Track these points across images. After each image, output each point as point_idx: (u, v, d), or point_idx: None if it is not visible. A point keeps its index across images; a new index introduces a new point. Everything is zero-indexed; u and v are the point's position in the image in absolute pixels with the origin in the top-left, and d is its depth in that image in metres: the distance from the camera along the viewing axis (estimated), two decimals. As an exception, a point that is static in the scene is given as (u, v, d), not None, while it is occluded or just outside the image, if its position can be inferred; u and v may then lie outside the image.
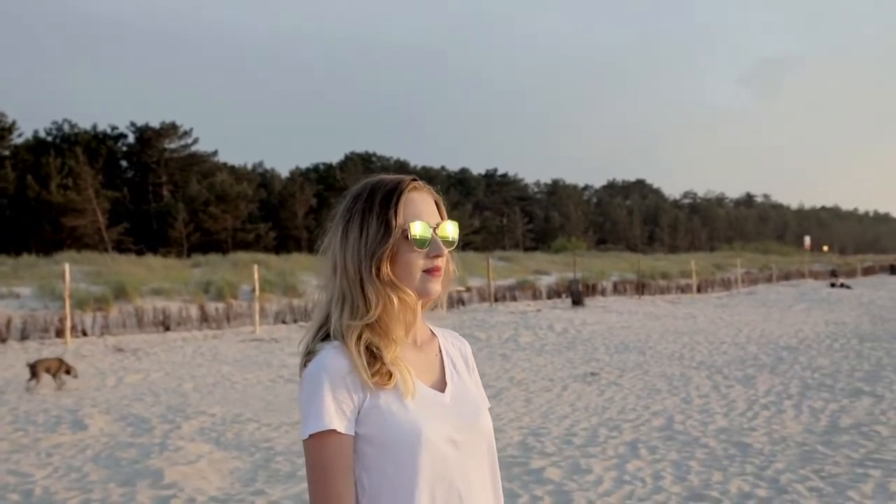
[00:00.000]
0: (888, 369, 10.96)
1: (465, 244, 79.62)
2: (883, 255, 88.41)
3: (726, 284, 41.31)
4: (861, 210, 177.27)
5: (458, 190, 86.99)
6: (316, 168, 76.40)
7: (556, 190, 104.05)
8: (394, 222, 1.39)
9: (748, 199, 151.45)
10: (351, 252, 1.40)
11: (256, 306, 20.36)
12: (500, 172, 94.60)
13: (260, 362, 14.03)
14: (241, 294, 25.23)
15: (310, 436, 1.33)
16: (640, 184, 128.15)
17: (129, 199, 57.11)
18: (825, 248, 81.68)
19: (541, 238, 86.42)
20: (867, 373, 10.75)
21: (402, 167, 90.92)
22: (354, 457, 1.36)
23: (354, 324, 1.38)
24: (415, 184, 1.44)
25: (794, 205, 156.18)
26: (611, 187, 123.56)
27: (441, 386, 1.46)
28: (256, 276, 20.97)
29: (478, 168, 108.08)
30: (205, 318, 20.67)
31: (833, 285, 42.06)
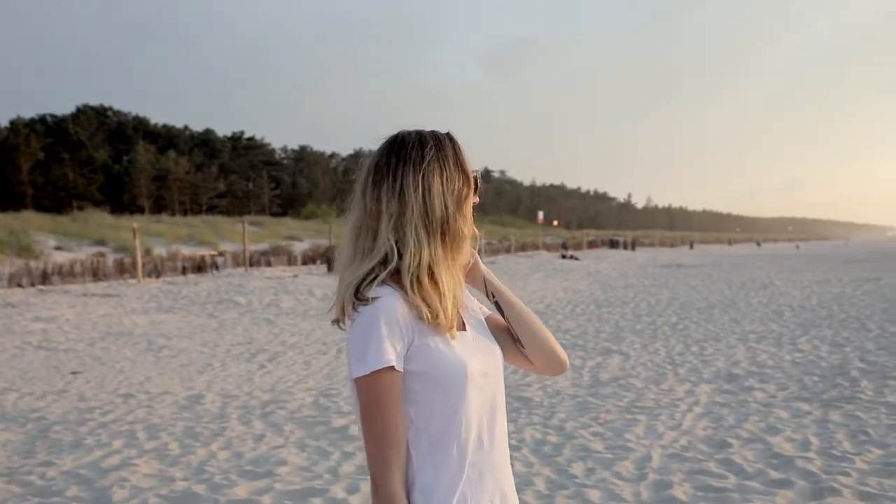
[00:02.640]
0: (626, 331, 12.21)
1: (210, 207, 76.86)
2: (602, 231, 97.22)
3: (470, 254, 43.40)
4: (584, 189, 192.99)
5: (202, 151, 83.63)
6: (43, 119, 69.79)
7: (303, 156, 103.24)
8: (468, 171, 1.53)
9: (486, 174, 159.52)
10: (437, 196, 1.47)
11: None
12: (247, 136, 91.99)
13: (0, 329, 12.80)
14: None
15: (370, 373, 1.38)
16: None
17: None
18: (555, 222, 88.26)
19: (288, 204, 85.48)
20: (610, 334, 11.90)
21: (140, 123, 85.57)
22: (406, 389, 1.43)
23: (433, 261, 1.46)
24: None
25: (527, 181, 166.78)
26: (357, 156, 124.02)
27: (461, 325, 1.54)
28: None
29: (224, 130, 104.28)
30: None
31: (564, 257, 45.72)
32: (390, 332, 1.40)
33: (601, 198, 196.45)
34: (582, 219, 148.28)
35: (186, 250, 29.86)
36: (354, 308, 1.43)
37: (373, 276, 1.45)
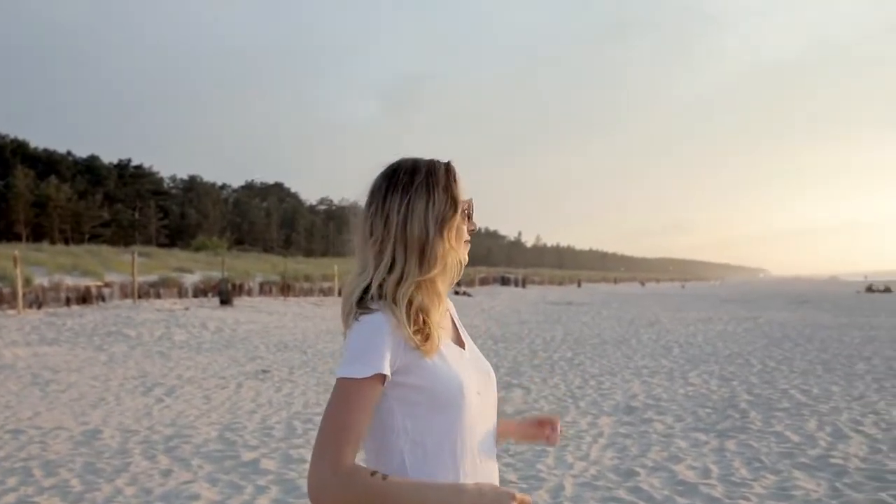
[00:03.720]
0: (524, 366, 12.45)
1: (94, 236, 73.85)
2: (494, 268, 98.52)
3: (364, 289, 43.24)
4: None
5: (85, 178, 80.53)
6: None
7: (193, 186, 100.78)
8: (458, 198, 1.59)
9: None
10: (418, 219, 1.54)
11: None
12: (134, 163, 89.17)
13: None
14: None
15: (356, 378, 1.41)
16: (279, 187, 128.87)
17: None
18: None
19: (176, 235, 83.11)
20: (509, 369, 12.10)
21: (20, 147, 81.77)
22: (400, 407, 1.48)
23: (408, 282, 1.52)
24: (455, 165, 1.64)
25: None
26: (249, 188, 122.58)
27: (459, 342, 1.63)
28: None
29: (109, 157, 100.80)
30: None
31: (457, 293, 46.12)
32: (384, 344, 1.45)
33: (492, 235, 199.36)
34: (474, 256, 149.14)
35: (70, 280, 28.58)
36: (356, 317, 1.49)
37: (364, 291, 1.52)
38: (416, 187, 1.56)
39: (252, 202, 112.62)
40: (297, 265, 50.53)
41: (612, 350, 14.71)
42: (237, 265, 41.89)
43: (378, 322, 1.46)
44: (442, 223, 1.56)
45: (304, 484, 5.39)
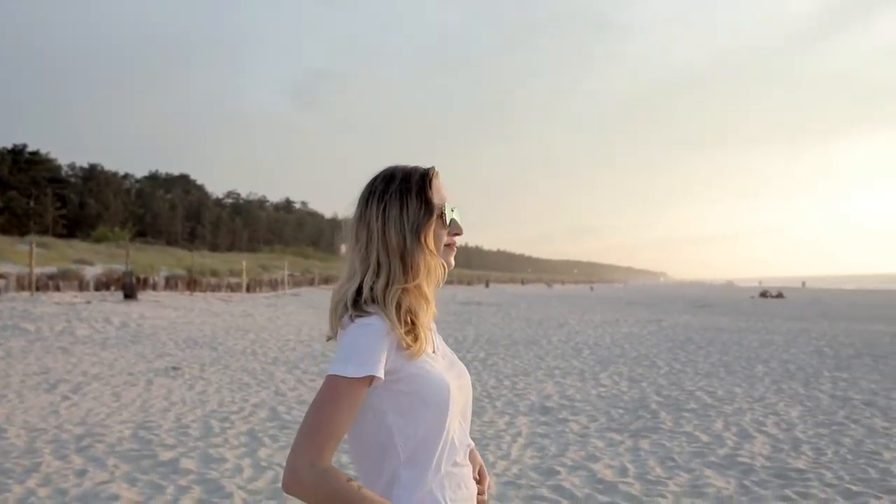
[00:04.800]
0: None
1: (-14, 225, 70.24)
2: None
3: (273, 285, 42.65)
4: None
5: (-23, 163, 76.72)
6: None
7: (93, 175, 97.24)
8: (432, 202, 1.62)
9: (287, 204, 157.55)
10: (394, 226, 1.59)
11: None
12: (30, 149, 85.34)
13: None
14: None
15: (346, 377, 1.46)
16: (184, 179, 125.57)
17: None
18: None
19: (75, 225, 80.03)
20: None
21: None
22: (392, 405, 1.55)
23: (395, 287, 1.57)
24: (437, 171, 1.67)
25: (328, 213, 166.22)
26: (153, 179, 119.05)
27: (433, 346, 1.67)
28: None
29: (2, 141, 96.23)
30: None
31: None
32: (379, 347, 1.50)
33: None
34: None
35: (-40, 271, 27.22)
36: (352, 319, 1.54)
37: (357, 294, 1.58)
38: (390, 194, 1.62)
39: (156, 193, 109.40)
40: (203, 259, 49.45)
41: (523, 351, 14.95)
42: (141, 258, 40.63)
43: (373, 324, 1.52)
44: (417, 230, 1.60)
45: (227, 484, 5.32)
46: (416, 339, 1.56)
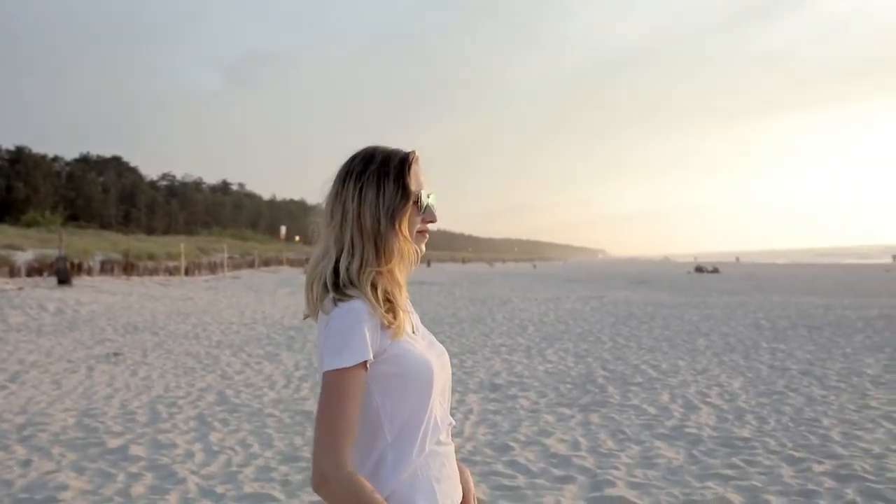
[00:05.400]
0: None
1: None
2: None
3: (213, 268, 42.02)
4: (324, 205, 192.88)
5: None
6: None
7: (21, 158, 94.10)
8: (410, 188, 1.60)
9: (225, 186, 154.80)
10: (369, 208, 1.57)
11: None
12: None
13: None
14: None
15: (343, 368, 1.46)
16: (117, 161, 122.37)
17: None
18: (297, 238, 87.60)
19: (3, 209, 77.50)
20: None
21: None
22: (377, 386, 1.54)
23: (368, 270, 1.56)
24: (417, 156, 1.65)
25: (266, 195, 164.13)
26: (84, 161, 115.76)
27: (411, 326, 1.65)
28: None
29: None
30: None
31: (308, 272, 45.68)
32: (365, 331, 1.50)
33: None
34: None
35: None
36: (335, 303, 1.52)
37: (332, 277, 1.56)
38: (367, 176, 1.60)
39: (88, 176, 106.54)
40: (139, 243, 48.35)
41: (469, 329, 15.01)
42: (74, 243, 39.55)
43: (357, 309, 1.51)
44: (392, 214, 1.59)
45: (179, 469, 5.24)
46: (395, 316, 1.56)
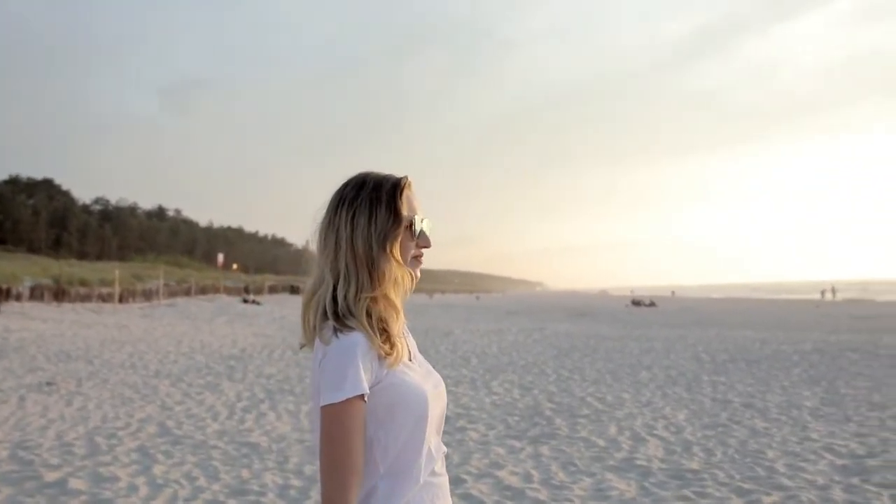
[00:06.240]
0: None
1: None
2: (282, 276, 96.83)
3: (148, 295, 41.09)
4: (262, 233, 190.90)
5: None
6: None
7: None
8: (402, 213, 1.59)
9: (160, 212, 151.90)
10: (361, 234, 1.57)
11: None
12: None
13: None
14: None
15: (343, 400, 1.44)
16: (48, 183, 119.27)
17: None
18: (235, 266, 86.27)
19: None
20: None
21: None
22: (371, 416, 1.52)
23: (363, 296, 1.55)
24: (409, 181, 1.65)
25: (203, 222, 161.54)
26: (13, 183, 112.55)
27: (409, 354, 1.63)
28: None
29: None
30: None
31: (246, 301, 45.00)
32: (363, 363, 1.48)
33: (279, 243, 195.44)
34: (260, 263, 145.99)
35: None
36: (336, 334, 1.50)
37: (332, 306, 1.54)
38: (360, 202, 1.60)
39: (17, 198, 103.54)
40: (70, 268, 46.95)
41: (413, 360, 14.89)
42: (2, 267, 38.13)
43: (354, 341, 1.50)
44: (384, 240, 1.59)
45: (122, 503, 5.05)
46: (392, 346, 1.55)
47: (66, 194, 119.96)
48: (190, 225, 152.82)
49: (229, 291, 54.31)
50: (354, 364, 1.46)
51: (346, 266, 1.57)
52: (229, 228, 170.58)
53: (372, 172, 1.65)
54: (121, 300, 36.86)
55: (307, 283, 1.64)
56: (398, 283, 1.61)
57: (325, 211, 1.64)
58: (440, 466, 1.64)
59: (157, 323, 25.92)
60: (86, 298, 35.15)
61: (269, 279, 78.27)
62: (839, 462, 6.44)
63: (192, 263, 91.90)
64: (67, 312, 28.01)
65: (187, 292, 47.40)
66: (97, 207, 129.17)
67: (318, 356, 1.52)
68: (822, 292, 77.26)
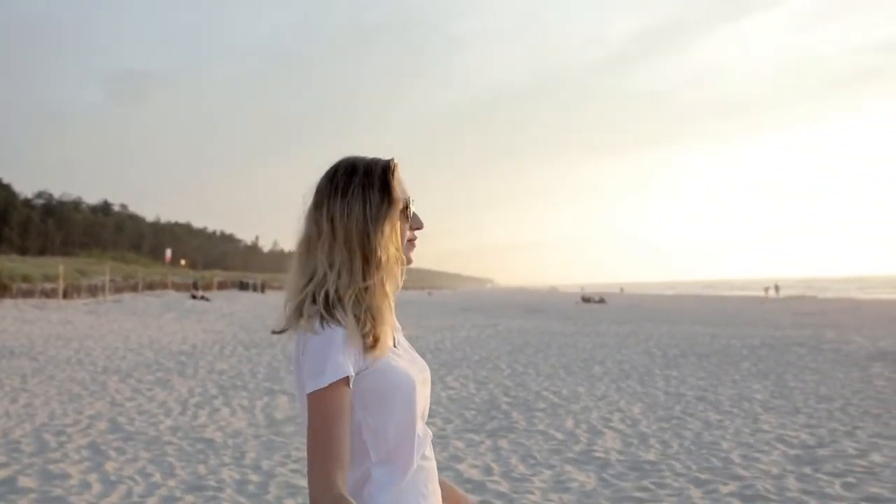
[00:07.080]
0: (282, 371, 12.24)
1: None
2: (230, 272, 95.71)
3: (93, 291, 40.26)
4: (210, 229, 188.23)
5: None
6: None
7: None
8: (395, 196, 1.57)
9: (106, 207, 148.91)
10: (356, 221, 1.53)
11: None
12: None
13: None
14: None
15: (328, 384, 1.41)
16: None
17: None
18: (183, 261, 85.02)
19: None
20: (266, 375, 11.84)
21: None
22: (359, 403, 1.50)
23: (354, 286, 1.52)
24: (397, 163, 1.61)
25: (150, 217, 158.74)
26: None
27: (393, 341, 1.61)
28: None
29: None
30: None
31: (195, 297, 44.34)
32: (346, 350, 1.46)
33: (228, 239, 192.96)
34: (208, 259, 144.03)
35: None
36: (322, 325, 1.47)
37: (323, 296, 1.51)
38: (353, 189, 1.56)
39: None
40: (11, 264, 45.80)
41: (367, 355, 14.82)
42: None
43: (337, 330, 1.47)
44: (381, 225, 1.56)
45: (76, 501, 4.93)
46: (377, 339, 1.51)
47: (7, 188, 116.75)
48: (136, 220, 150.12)
49: (178, 287, 53.44)
50: (335, 350, 1.44)
51: (340, 254, 1.53)
52: (177, 224, 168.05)
53: (359, 157, 1.62)
54: (65, 296, 36.09)
55: (291, 271, 1.60)
56: (393, 268, 1.58)
57: (313, 199, 1.59)
58: (429, 450, 1.62)
59: (103, 319, 25.41)
60: (28, 294, 34.32)
61: (218, 275, 77.27)
62: (791, 452, 6.56)
63: (140, 259, 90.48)
64: (9, 308, 27.33)
65: (134, 288, 46.54)
66: (39, 202, 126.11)
67: (299, 349, 1.49)
68: (766, 289, 78.81)
